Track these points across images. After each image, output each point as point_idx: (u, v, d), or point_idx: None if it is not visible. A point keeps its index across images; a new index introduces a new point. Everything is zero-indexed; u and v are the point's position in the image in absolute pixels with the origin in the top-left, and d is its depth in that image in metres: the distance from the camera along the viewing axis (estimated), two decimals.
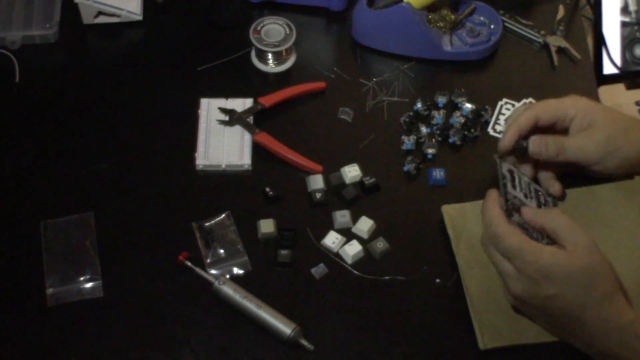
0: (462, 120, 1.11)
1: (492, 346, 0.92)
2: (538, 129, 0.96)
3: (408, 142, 1.09)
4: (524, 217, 0.89)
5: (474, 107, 1.13)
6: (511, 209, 0.90)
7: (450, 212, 1.02)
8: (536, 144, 0.95)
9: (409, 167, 1.07)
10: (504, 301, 0.93)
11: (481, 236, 0.91)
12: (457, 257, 0.98)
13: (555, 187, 0.99)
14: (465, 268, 0.97)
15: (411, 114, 1.12)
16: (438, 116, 1.11)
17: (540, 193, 0.95)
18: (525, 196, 0.93)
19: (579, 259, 0.82)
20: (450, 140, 1.10)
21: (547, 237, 0.87)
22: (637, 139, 0.96)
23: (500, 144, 0.96)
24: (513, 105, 1.16)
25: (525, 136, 0.96)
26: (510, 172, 0.95)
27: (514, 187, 0.93)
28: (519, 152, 0.96)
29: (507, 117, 0.98)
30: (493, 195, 0.90)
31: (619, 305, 0.83)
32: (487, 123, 1.12)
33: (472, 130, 1.11)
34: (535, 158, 0.97)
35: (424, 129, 1.11)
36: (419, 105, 1.13)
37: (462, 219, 1.01)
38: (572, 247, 0.83)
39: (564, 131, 0.97)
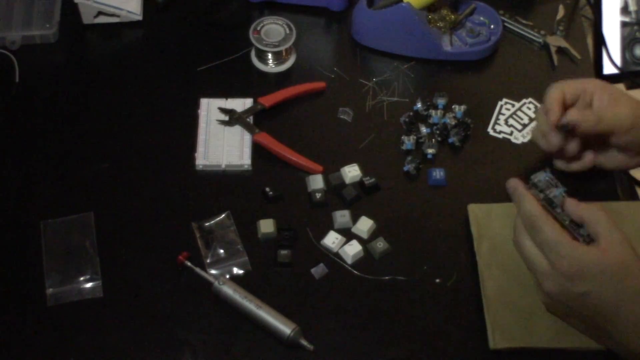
0: (454, 122, 1.11)
1: (503, 347, 0.92)
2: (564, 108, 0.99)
3: (408, 142, 1.10)
4: (568, 206, 0.88)
5: (465, 108, 1.13)
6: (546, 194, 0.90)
7: (476, 211, 1.02)
8: (575, 114, 0.97)
9: (409, 167, 1.07)
10: (520, 303, 0.93)
11: (514, 232, 0.90)
12: (478, 256, 0.98)
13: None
14: (485, 267, 0.97)
15: (411, 114, 1.13)
16: (435, 115, 1.12)
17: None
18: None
19: (612, 255, 0.82)
20: (450, 140, 1.10)
21: (587, 235, 0.86)
22: None
23: (549, 119, 0.97)
24: (513, 105, 1.16)
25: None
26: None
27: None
28: (563, 129, 0.97)
29: (538, 109, 1.03)
30: (521, 185, 0.90)
31: None
32: (467, 129, 1.12)
33: (466, 133, 1.10)
34: (581, 131, 0.98)
35: (423, 129, 1.11)
36: (419, 105, 1.13)
37: (486, 219, 1.01)
38: (606, 243, 0.83)
39: (587, 108, 1.00)
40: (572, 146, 1.01)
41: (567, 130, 0.98)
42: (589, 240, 0.86)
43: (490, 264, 0.97)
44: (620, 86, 1.24)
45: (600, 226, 0.85)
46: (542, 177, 0.91)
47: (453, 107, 1.13)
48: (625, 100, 0.98)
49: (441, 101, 1.13)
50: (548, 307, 0.91)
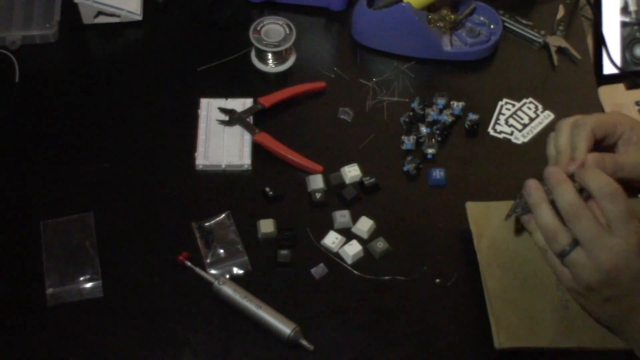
0: (451, 119, 1.11)
1: (508, 346, 0.92)
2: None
3: (408, 142, 1.10)
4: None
5: (464, 104, 1.13)
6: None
7: (474, 209, 1.02)
8: (594, 162, 0.88)
9: (408, 167, 1.07)
10: (522, 302, 0.93)
11: (565, 194, 0.84)
12: (478, 254, 0.98)
13: None
14: (485, 266, 0.97)
15: (411, 113, 1.12)
16: (432, 112, 1.12)
17: None
18: None
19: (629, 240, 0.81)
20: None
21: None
22: None
23: (571, 168, 0.88)
24: (513, 105, 1.16)
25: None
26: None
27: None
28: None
29: (550, 136, 0.92)
30: (559, 171, 0.86)
31: None
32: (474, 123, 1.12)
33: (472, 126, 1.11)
34: None
35: (423, 129, 1.11)
36: (416, 103, 1.13)
37: (485, 217, 1.00)
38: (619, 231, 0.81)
39: (610, 148, 0.93)
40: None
41: None
42: None
43: (490, 262, 0.97)
44: (620, 86, 1.24)
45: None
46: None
47: (451, 103, 1.13)
48: None
49: (441, 101, 1.13)
50: (588, 293, 0.85)
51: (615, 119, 0.91)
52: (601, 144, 0.91)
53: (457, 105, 1.13)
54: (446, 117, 1.12)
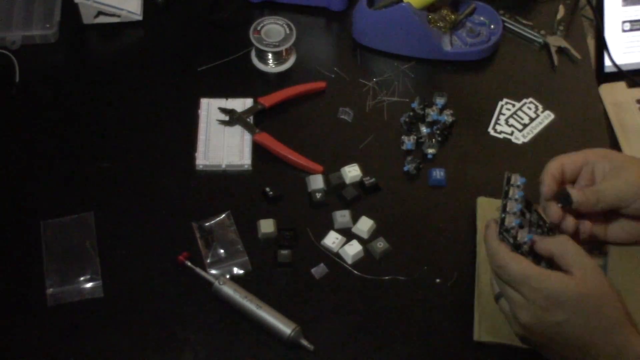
0: (452, 119, 1.11)
1: (487, 340, 0.92)
2: (565, 183, 0.92)
3: (408, 142, 1.09)
4: (536, 245, 0.86)
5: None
6: (512, 234, 0.87)
7: (485, 204, 1.03)
8: (578, 194, 0.89)
9: (409, 167, 1.07)
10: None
11: (490, 265, 0.87)
12: (478, 247, 0.99)
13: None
14: (483, 261, 0.97)
15: (411, 113, 1.12)
16: (432, 113, 1.12)
17: (540, 221, 0.91)
18: (523, 225, 0.89)
19: (588, 283, 0.81)
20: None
21: (551, 263, 0.85)
22: None
23: (542, 193, 0.90)
24: (513, 105, 1.16)
25: (561, 189, 0.91)
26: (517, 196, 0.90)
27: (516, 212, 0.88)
28: (563, 202, 0.89)
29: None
30: (492, 226, 0.87)
31: (630, 335, 0.81)
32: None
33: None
34: (580, 210, 0.91)
35: (424, 129, 1.11)
36: (416, 103, 1.13)
37: (493, 214, 1.00)
38: (580, 273, 0.81)
39: (590, 182, 0.93)
40: (568, 223, 0.90)
41: (566, 205, 0.89)
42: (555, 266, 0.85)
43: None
44: (621, 84, 1.24)
45: (570, 257, 0.83)
46: (515, 222, 0.86)
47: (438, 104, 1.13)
48: (630, 167, 0.90)
49: (440, 100, 1.13)
50: (522, 339, 0.88)
51: (582, 156, 0.92)
52: (579, 182, 0.92)
53: (447, 114, 1.12)
54: (446, 117, 1.11)
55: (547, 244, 0.85)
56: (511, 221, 0.85)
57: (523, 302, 0.83)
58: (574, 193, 0.89)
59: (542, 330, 0.83)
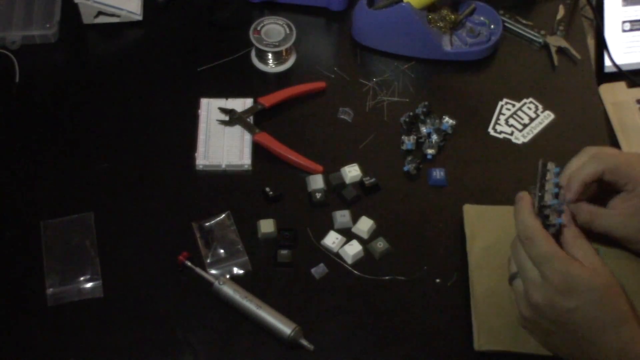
0: (452, 129, 1.11)
1: (487, 348, 0.92)
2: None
3: (408, 142, 1.09)
4: (564, 231, 0.86)
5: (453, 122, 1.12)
6: (545, 214, 0.87)
7: (471, 211, 1.02)
8: (572, 206, 0.89)
9: (409, 167, 1.07)
10: (507, 306, 0.92)
11: (515, 239, 0.87)
12: (469, 256, 0.98)
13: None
14: (475, 268, 0.97)
15: (411, 113, 1.12)
16: (433, 124, 1.11)
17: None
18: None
19: (600, 276, 0.81)
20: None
21: None
22: None
23: (567, 196, 0.89)
24: (513, 105, 1.16)
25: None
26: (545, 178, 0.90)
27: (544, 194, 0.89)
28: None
29: (566, 167, 0.90)
30: (526, 198, 0.87)
31: (636, 330, 0.82)
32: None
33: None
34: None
35: (423, 129, 1.11)
36: (420, 109, 1.12)
37: (481, 220, 1.01)
38: (592, 266, 0.82)
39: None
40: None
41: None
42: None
43: (481, 265, 0.97)
44: (622, 84, 1.24)
45: (583, 252, 0.83)
46: (551, 202, 0.86)
47: (443, 118, 1.12)
48: None
49: (446, 123, 1.11)
50: (527, 323, 0.88)
51: (625, 167, 0.89)
52: (612, 187, 0.90)
53: (446, 122, 1.12)
54: (448, 126, 1.11)
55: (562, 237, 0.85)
56: (549, 199, 0.86)
57: (539, 281, 0.83)
58: (573, 206, 0.88)
59: (551, 313, 0.83)
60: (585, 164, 0.89)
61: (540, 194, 0.87)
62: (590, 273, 0.81)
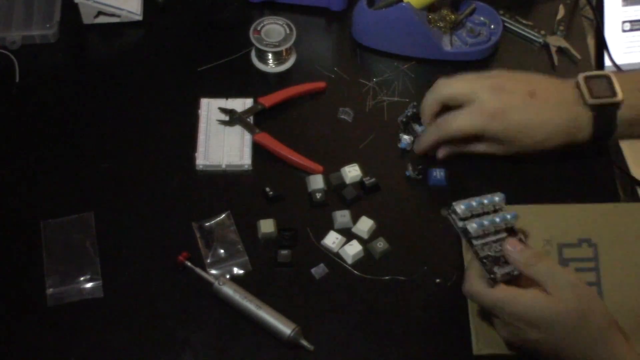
0: None
1: (486, 352, 0.92)
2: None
3: (404, 141, 1.09)
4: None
5: None
6: (490, 257, 0.88)
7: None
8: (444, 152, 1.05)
9: (410, 173, 1.07)
10: None
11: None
12: (465, 258, 0.98)
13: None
14: None
15: (409, 113, 1.12)
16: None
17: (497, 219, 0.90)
18: (486, 234, 0.89)
19: (562, 301, 0.81)
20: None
21: (507, 273, 0.86)
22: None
23: (418, 146, 1.04)
24: None
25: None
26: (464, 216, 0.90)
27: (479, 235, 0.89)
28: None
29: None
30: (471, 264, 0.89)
31: (615, 344, 0.81)
32: None
33: None
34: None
35: (417, 127, 1.11)
36: (408, 111, 1.12)
37: None
38: (555, 290, 0.81)
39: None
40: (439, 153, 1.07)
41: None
42: (510, 277, 0.86)
43: None
44: None
45: (542, 276, 0.83)
46: (476, 224, 0.87)
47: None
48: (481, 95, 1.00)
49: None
50: (507, 345, 0.90)
51: (466, 87, 1.02)
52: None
53: None
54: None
55: (518, 264, 0.85)
56: (483, 252, 0.87)
57: (501, 322, 0.86)
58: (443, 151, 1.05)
59: (522, 346, 0.86)
60: (427, 96, 1.04)
61: (475, 249, 0.87)
62: (549, 302, 0.81)
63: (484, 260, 0.86)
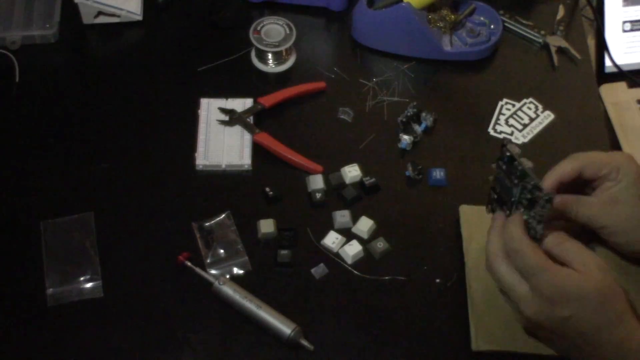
0: (432, 121, 1.12)
1: (485, 349, 0.92)
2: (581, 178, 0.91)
3: (404, 141, 1.09)
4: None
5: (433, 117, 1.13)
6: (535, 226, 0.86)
7: (468, 212, 1.02)
8: (559, 203, 0.88)
9: (410, 173, 1.07)
10: (504, 306, 0.92)
11: (487, 258, 0.87)
12: (466, 256, 0.98)
13: None
14: (472, 268, 0.97)
15: (408, 114, 1.12)
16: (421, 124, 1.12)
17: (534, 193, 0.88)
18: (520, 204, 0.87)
19: (591, 279, 0.81)
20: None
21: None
22: None
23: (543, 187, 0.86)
24: (513, 105, 1.16)
25: (567, 185, 0.89)
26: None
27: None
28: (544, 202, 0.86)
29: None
30: (500, 217, 0.88)
31: (633, 326, 0.82)
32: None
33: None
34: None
35: (417, 127, 1.11)
36: (409, 111, 1.12)
37: (477, 221, 1.00)
38: (583, 269, 0.82)
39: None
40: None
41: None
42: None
43: (478, 266, 0.97)
44: (622, 84, 1.24)
45: (569, 254, 0.83)
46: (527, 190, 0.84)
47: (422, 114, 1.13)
48: (632, 198, 0.87)
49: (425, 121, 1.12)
50: (527, 330, 0.90)
51: (617, 160, 0.89)
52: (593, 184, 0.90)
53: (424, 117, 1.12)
54: (427, 123, 1.11)
55: (547, 244, 0.85)
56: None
57: (529, 296, 0.83)
58: (558, 200, 0.87)
59: (547, 324, 0.84)
60: (563, 161, 0.89)
61: (514, 199, 0.86)
62: (580, 279, 0.81)
63: (532, 213, 0.84)
